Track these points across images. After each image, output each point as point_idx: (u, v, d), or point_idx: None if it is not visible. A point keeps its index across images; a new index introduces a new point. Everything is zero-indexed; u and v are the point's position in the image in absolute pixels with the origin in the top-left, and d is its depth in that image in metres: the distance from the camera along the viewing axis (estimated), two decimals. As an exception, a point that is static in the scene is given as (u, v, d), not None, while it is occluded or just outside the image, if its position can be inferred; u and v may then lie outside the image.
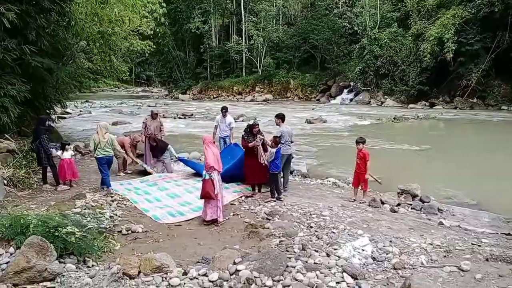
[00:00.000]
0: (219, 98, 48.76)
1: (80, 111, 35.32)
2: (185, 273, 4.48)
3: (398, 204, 7.55)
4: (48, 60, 12.68)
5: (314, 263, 4.66)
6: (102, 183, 8.28)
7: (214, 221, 6.85)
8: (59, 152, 8.63)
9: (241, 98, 46.72)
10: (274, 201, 7.55)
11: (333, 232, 5.81)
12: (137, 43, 20.87)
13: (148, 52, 61.32)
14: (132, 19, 16.45)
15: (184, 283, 4.26)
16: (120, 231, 6.14)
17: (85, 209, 6.86)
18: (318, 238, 5.56)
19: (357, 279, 4.22)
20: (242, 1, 49.37)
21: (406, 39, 35.16)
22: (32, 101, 15.51)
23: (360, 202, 7.89)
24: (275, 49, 47.97)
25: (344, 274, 4.31)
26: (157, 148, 10.11)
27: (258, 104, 40.42)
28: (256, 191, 8.29)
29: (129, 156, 9.96)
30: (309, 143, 16.82)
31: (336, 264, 4.56)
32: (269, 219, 6.56)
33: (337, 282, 4.15)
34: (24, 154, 9.12)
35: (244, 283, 4.06)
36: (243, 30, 49.60)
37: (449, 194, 9.00)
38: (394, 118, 24.12)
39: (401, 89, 34.66)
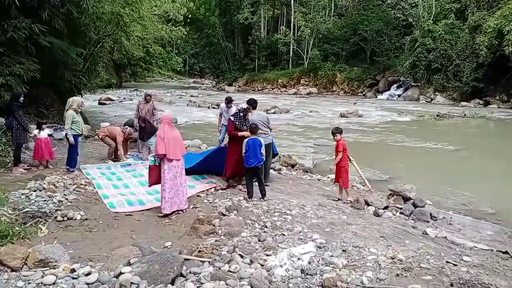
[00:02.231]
0: (263, 90, 48.12)
1: (124, 98, 36.09)
2: (73, 270, 3.83)
3: (386, 207, 6.42)
4: (59, 40, 12.57)
5: (228, 271, 3.82)
6: (68, 162, 7.90)
7: (172, 214, 6.18)
8: (35, 131, 8.33)
9: (285, 91, 45.75)
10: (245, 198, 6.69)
11: (283, 234, 4.92)
12: (163, 28, 20.53)
13: (196, 42, 62.13)
14: (156, 2, 16.05)
15: (60, 283, 3.60)
16: (56, 217, 5.60)
17: (34, 190, 6.45)
18: (259, 241, 4.69)
19: (261, 296, 3.35)
20: (292, -9, 48.18)
21: (463, 32, 32.36)
22: (55, 84, 15.80)
23: (344, 202, 6.85)
24: (323, 41, 46.36)
25: (250, 288, 3.44)
26: (145, 130, 9.57)
27: (301, 97, 39.24)
28: (236, 184, 7.45)
29: (119, 150, 9.41)
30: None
31: (250, 275, 3.68)
32: (224, 215, 5.75)
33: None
34: (4, 132, 8.92)
35: (116, 290, 3.33)
36: (292, 21, 48.44)
37: (461, 201, 7.67)
38: (437, 116, 22.09)
39: (454, 86, 31.98)
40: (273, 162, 9.80)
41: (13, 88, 11.22)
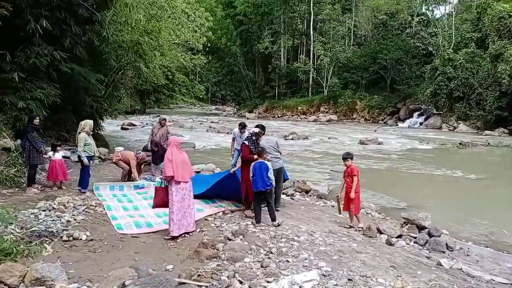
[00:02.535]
0: (283, 117, 48.28)
1: (146, 123, 36.64)
2: (67, 291, 3.75)
3: (399, 236, 6.15)
4: (80, 67, 12.96)
5: (224, 297, 3.67)
6: (80, 183, 7.95)
7: (179, 236, 6.10)
8: (50, 153, 8.45)
9: (305, 118, 45.74)
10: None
11: (288, 261, 4.74)
12: (183, 56, 21.00)
13: (218, 70, 63.28)
14: (176, 31, 16.49)
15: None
16: (61, 237, 5.58)
17: (44, 210, 6.48)
18: (262, 267, 4.53)
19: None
20: (311, 21, 48.81)
21: (484, 60, 31.93)
22: (77, 109, 16.21)
23: (356, 229, 6.62)
24: (342, 69, 46.53)
25: (245, 315, 3.28)
26: (158, 154, 9.61)
27: (320, 124, 39.10)
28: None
29: (133, 173, 9.46)
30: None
31: (247, 302, 3.53)
32: (230, 239, 5.62)
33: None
34: (21, 153, 9.09)
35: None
36: (311, 50, 48.91)
37: (481, 231, 7.32)
38: (460, 144, 21.55)
39: (477, 114, 31.32)
40: (284, 188, 9.70)
41: (33, 112, 11.59)
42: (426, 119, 35.66)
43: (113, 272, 3.94)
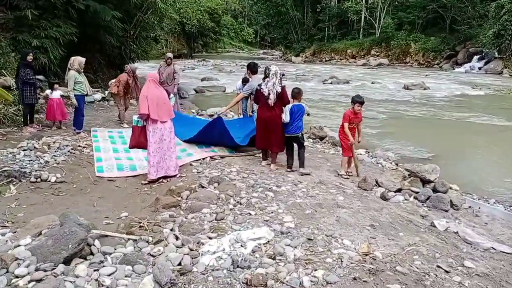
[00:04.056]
0: (331, 61, 46.11)
1: (187, 67, 36.32)
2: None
3: (399, 190, 5.32)
4: (94, 2, 12.45)
5: (149, 253, 3.20)
6: (74, 123, 7.71)
7: (157, 180, 5.71)
8: (48, 91, 8.23)
9: (354, 62, 43.34)
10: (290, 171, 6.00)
11: (250, 214, 4.17)
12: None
13: (267, 12, 61.01)
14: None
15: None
16: (29, 178, 5.34)
17: (24, 150, 6.28)
18: (216, 219, 3.99)
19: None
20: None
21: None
22: (104, 50, 15.99)
23: (346, 175, 5.94)
24: (397, 8, 42.88)
25: (152, 278, 2.78)
26: None
27: (369, 68, 36.81)
28: (264, 163, 6.27)
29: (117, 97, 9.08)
30: (384, 110, 14.19)
31: (167, 260, 3.03)
32: (203, 187, 5.11)
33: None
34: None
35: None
36: (365, -13, 45.32)
37: (507, 189, 6.28)
38: (518, 90, 19.31)
39: (545, 58, 27.91)
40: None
41: (48, 51, 11.42)
42: (486, 63, 32.31)
43: (37, 219, 3.57)
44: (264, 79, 5.98)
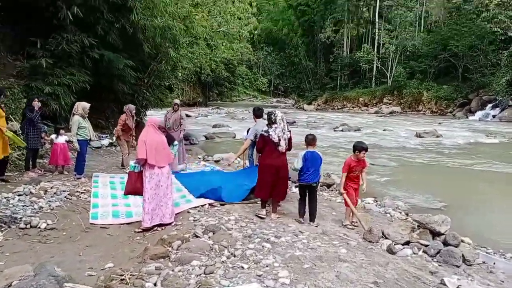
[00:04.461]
0: (343, 109, 46.36)
1: (201, 115, 36.85)
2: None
3: (407, 243, 4.96)
4: (108, 52, 12.82)
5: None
6: (75, 168, 7.63)
7: (151, 229, 5.48)
8: (53, 136, 8.24)
9: (366, 109, 43.47)
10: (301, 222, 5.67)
11: (242, 267, 3.88)
12: (224, 44, 20.39)
13: (281, 62, 62.54)
14: (217, 18, 15.89)
15: None
16: (19, 224, 5.17)
17: (20, 195, 6.15)
18: (204, 273, 3.71)
19: None
20: (377, 8, 46.17)
21: None
22: (116, 97, 16.30)
23: (351, 225, 5.61)
24: (409, 58, 43.47)
25: None
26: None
27: (381, 116, 36.76)
28: (264, 212, 5.79)
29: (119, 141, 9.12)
30: (395, 158, 13.89)
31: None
32: (198, 236, 4.84)
33: None
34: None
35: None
36: (375, 39, 46.31)
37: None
38: (535, 138, 18.86)
39: (561, 106, 27.48)
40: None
41: (60, 98, 11.63)
42: (500, 111, 32.02)
43: (10, 269, 3.36)
44: (269, 125, 5.78)
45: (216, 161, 10.95)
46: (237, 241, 4.65)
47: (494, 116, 31.94)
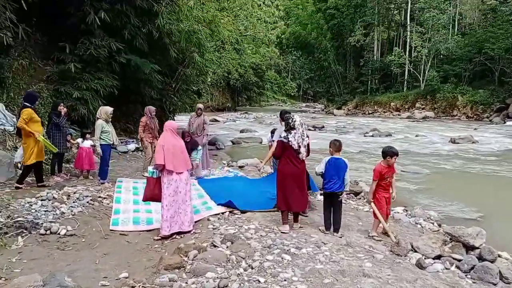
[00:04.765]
0: (374, 114, 45.40)
1: (229, 119, 36.99)
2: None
3: (438, 257, 4.61)
4: (135, 56, 12.94)
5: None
6: (99, 173, 7.64)
7: (170, 236, 5.36)
8: (79, 140, 8.30)
9: (397, 114, 42.39)
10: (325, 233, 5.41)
11: (259, 281, 3.68)
12: (255, 50, 20.24)
13: (310, 67, 62.21)
14: (243, 22, 15.83)
15: None
16: (39, 230, 5.16)
17: (42, 200, 6.17)
18: (218, 287, 3.53)
19: None
20: (409, 11, 45.11)
21: None
22: (144, 101, 16.46)
23: (378, 236, 5.30)
24: (442, 61, 42.15)
25: None
26: (188, 145, 8.96)
27: (414, 121, 35.72)
28: (288, 228, 5.36)
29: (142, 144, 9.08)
30: (428, 165, 13.33)
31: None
32: (215, 246, 4.68)
33: None
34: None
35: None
36: (407, 42, 45.20)
37: None
38: None
39: None
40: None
41: (88, 102, 11.79)
42: (541, 116, 30.51)
43: (20, 278, 3.28)
44: (288, 130, 5.54)
45: (240, 167, 10.79)
46: (255, 252, 4.46)
47: (534, 122, 30.45)
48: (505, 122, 32.78)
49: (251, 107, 69.53)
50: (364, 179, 10.04)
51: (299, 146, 5.33)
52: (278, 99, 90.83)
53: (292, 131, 5.37)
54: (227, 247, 4.65)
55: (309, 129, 26.04)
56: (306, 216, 6.19)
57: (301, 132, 5.42)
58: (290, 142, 5.31)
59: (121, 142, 11.85)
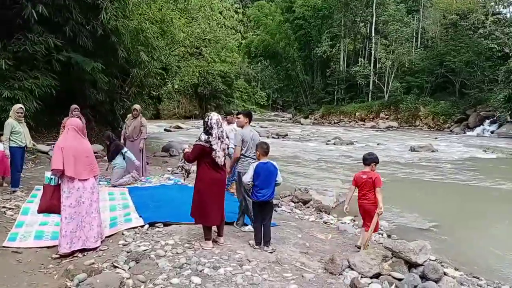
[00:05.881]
0: (339, 123, 45.58)
1: (192, 126, 36.08)
2: None
3: (377, 275, 4.01)
4: (76, 54, 11.97)
5: None
6: (11, 180, 6.69)
7: (71, 254, 4.51)
8: (-8, 144, 7.29)
9: (362, 124, 42.70)
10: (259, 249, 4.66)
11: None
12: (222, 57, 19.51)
13: (277, 76, 62.33)
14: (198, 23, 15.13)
15: None
16: None
17: None
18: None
19: None
20: (373, 24, 45.77)
21: None
22: (93, 105, 15.39)
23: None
24: (405, 73, 42.90)
25: None
26: (109, 149, 8.11)
27: (378, 131, 35.93)
28: (211, 244, 4.62)
29: None
30: (385, 173, 12.90)
31: None
32: (116, 267, 3.89)
33: None
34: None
35: None
36: (372, 54, 45.80)
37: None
38: (534, 154, 17.93)
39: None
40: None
41: (20, 102, 10.73)
42: (498, 127, 31.21)
43: None
44: (206, 131, 4.71)
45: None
46: (161, 274, 3.71)
47: (492, 132, 31.13)
48: (465, 132, 33.43)
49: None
50: (316, 186, 9.45)
51: (218, 149, 4.60)
52: (246, 108, 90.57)
53: (212, 132, 4.62)
54: (129, 268, 3.88)
55: (273, 137, 25.58)
56: (239, 228, 5.48)
57: (220, 132, 4.67)
58: (211, 145, 4.57)
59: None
